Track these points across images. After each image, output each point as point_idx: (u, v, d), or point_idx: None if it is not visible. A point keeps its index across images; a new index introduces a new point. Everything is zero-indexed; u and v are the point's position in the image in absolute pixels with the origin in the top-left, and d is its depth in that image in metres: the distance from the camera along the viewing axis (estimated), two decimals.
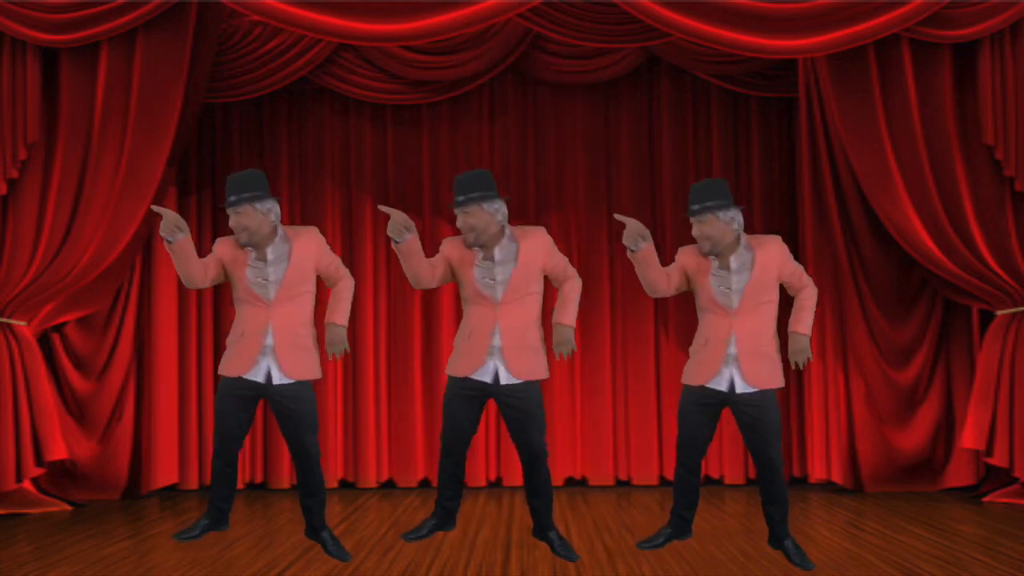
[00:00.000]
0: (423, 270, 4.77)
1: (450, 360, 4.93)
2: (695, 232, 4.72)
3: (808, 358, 4.86)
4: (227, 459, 4.97)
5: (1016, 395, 7.61)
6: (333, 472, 8.72)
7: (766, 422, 4.74)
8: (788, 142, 8.88)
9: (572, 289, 4.92)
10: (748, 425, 4.78)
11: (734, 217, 4.67)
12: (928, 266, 7.82)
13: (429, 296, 8.78)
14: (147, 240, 8.26)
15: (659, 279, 4.80)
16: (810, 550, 5.64)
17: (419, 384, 8.77)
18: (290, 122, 8.98)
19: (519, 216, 8.58)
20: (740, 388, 4.74)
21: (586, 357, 8.80)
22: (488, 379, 4.82)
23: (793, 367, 4.90)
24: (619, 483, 8.75)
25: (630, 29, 8.07)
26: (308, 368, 5.00)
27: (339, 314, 5.08)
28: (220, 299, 8.61)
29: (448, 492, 5.01)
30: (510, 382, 4.82)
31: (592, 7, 8.05)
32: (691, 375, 4.84)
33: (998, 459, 7.65)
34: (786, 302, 4.90)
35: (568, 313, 4.93)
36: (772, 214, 8.85)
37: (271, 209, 4.80)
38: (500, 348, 4.78)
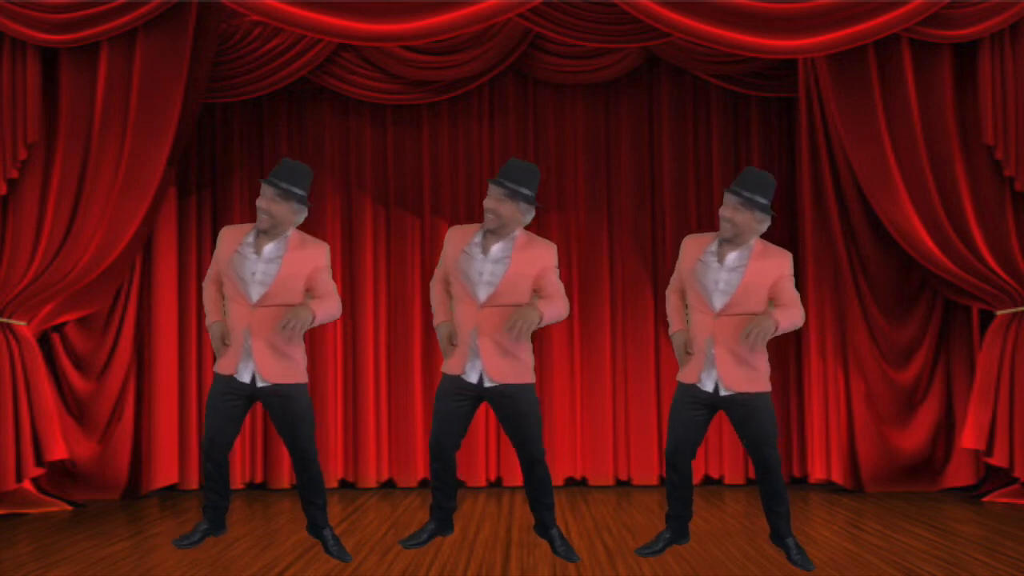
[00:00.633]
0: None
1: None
2: (726, 211, 4.66)
3: (761, 338, 4.56)
4: (217, 460, 4.88)
5: (1016, 395, 7.61)
6: (333, 472, 8.73)
7: (757, 422, 4.69)
8: (788, 142, 8.88)
9: (557, 303, 4.88)
10: (739, 425, 4.76)
11: (763, 223, 4.67)
12: (928, 266, 7.83)
13: (429, 296, 8.77)
14: (147, 240, 8.26)
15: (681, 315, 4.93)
16: (810, 550, 5.64)
17: (419, 384, 8.78)
18: (290, 122, 8.98)
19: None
20: (723, 391, 4.71)
21: (586, 357, 8.80)
22: (474, 380, 4.87)
23: (743, 338, 4.59)
24: (619, 483, 8.75)
25: (630, 29, 8.07)
26: (290, 373, 4.84)
27: (317, 304, 4.80)
28: None
29: (442, 495, 4.98)
30: (493, 384, 4.84)
31: (592, 7, 8.05)
32: (684, 372, 4.84)
33: (998, 459, 7.65)
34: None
35: (544, 305, 4.80)
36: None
37: (300, 213, 4.84)
38: (478, 350, 4.81)
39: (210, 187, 8.87)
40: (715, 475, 8.74)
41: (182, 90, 7.68)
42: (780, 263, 4.68)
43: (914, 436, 8.20)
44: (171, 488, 8.48)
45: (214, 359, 4.99)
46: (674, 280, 4.96)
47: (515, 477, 8.65)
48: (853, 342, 8.17)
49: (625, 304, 8.84)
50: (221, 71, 8.31)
